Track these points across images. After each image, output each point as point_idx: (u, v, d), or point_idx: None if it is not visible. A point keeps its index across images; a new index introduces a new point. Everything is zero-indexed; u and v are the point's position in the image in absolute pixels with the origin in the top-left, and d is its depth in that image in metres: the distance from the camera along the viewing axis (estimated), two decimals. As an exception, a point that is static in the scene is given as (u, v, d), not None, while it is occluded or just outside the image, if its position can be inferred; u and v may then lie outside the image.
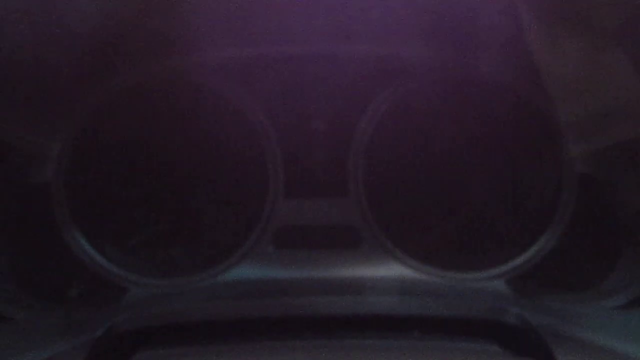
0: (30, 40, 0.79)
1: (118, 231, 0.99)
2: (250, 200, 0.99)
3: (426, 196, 1.00)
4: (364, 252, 0.99)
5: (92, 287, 0.98)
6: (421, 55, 1.00)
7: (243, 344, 0.73)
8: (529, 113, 0.98)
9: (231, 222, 0.99)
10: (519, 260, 0.98)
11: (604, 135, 0.96)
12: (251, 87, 1.00)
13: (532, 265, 0.98)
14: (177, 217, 1.00)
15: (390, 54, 1.01)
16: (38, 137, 0.96)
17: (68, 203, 0.97)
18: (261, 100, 0.99)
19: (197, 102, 0.99)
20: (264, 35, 0.97)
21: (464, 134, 0.98)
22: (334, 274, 0.98)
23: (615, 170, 0.97)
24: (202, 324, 0.79)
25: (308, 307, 0.80)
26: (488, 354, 0.70)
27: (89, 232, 0.98)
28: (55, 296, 0.98)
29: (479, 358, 0.69)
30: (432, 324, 0.76)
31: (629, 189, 0.95)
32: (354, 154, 1.00)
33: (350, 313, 0.78)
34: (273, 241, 0.99)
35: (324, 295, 0.86)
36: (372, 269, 0.98)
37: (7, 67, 0.81)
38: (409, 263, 0.98)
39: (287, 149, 1.00)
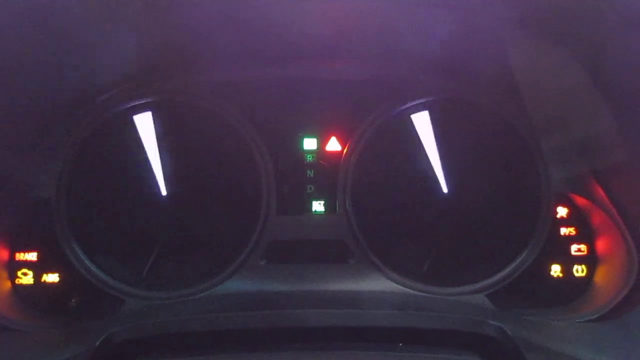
0: (33, 61, 0.81)
1: (116, 245, 1.00)
2: (243, 216, 1.02)
3: (412, 213, 1.03)
4: (352, 266, 1.02)
5: (91, 299, 1.00)
6: (410, 78, 1.05)
7: (236, 354, 0.76)
8: (512, 138, 1.03)
9: (225, 237, 1.02)
10: (499, 276, 1.01)
11: (581, 162, 1.02)
12: (246, 108, 1.03)
13: (511, 280, 1.01)
14: (173, 232, 1.01)
15: (379, 77, 1.05)
16: (39, 156, 0.99)
17: (68, 218, 0.99)
18: (255, 121, 1.03)
19: (194, 123, 1.02)
20: (259, 59, 1.01)
21: (450, 155, 1.02)
22: (323, 287, 1.01)
23: (591, 194, 1.02)
24: (197, 334, 0.82)
25: (298, 319, 0.83)
26: (469, 364, 0.74)
27: (88, 246, 1.00)
28: (56, 307, 1.00)
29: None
30: (416, 335, 0.80)
31: (603, 212, 1.01)
32: (343, 172, 1.03)
33: (337, 325, 0.82)
34: (265, 255, 1.02)
35: (314, 308, 0.89)
36: (359, 283, 1.02)
37: (10, 90, 0.84)
38: (395, 277, 1.02)
39: (280, 167, 1.03)
